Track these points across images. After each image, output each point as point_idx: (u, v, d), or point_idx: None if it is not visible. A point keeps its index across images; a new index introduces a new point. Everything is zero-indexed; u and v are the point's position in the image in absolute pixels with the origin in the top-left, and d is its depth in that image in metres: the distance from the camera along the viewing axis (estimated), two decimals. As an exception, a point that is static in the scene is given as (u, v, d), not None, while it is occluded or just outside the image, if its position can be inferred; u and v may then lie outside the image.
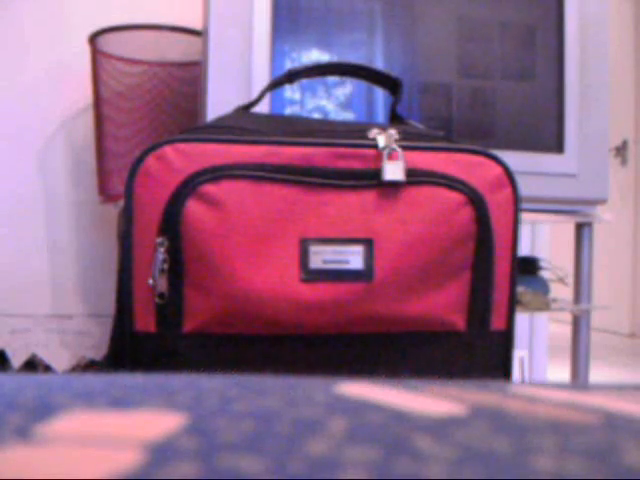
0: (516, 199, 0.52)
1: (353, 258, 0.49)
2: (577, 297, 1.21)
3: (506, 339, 0.53)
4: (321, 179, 0.49)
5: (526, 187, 1.11)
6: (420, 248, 0.49)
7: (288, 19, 1.08)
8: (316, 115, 1.11)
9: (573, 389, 0.15)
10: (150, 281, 0.47)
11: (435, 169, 0.50)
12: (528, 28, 1.14)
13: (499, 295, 0.52)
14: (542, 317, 1.82)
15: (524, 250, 1.76)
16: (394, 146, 0.49)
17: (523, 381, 0.16)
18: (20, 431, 0.10)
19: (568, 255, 1.30)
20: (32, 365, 1.49)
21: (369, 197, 0.49)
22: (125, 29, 1.39)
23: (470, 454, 0.10)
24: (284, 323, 0.47)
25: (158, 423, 0.11)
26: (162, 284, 0.47)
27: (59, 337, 1.55)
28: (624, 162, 3.33)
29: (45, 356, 1.49)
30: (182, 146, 0.48)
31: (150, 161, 0.48)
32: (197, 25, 1.35)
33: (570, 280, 1.29)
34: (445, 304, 0.50)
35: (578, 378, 1.18)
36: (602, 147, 1.16)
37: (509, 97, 1.14)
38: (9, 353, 1.47)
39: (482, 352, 0.51)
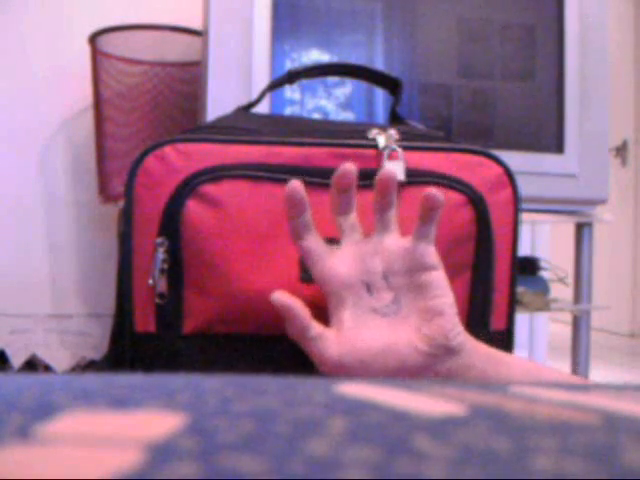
0: (516, 199, 0.52)
1: (353, 258, 0.48)
2: (577, 297, 1.21)
3: (506, 339, 0.53)
4: (321, 179, 0.49)
5: (526, 187, 1.11)
6: (420, 248, 0.49)
7: (288, 19, 1.08)
8: (316, 115, 1.11)
9: (573, 389, 0.15)
10: (150, 281, 0.47)
11: (435, 169, 0.50)
12: (528, 28, 1.14)
13: (499, 295, 0.52)
14: (542, 317, 1.82)
15: (524, 250, 1.76)
16: (394, 146, 0.49)
17: (523, 381, 0.16)
18: (20, 431, 0.10)
19: (568, 255, 1.30)
20: (32, 365, 1.49)
21: (369, 197, 0.49)
22: (125, 29, 1.39)
23: (470, 454, 0.10)
24: (284, 323, 0.47)
25: (158, 423, 0.11)
26: (162, 284, 0.47)
27: (59, 337, 1.55)
28: (624, 162, 3.33)
29: (45, 356, 1.49)
30: (182, 146, 0.48)
31: (150, 161, 0.48)
32: (197, 25, 1.35)
33: (570, 280, 1.28)
34: (445, 304, 0.50)
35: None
36: (602, 147, 1.16)
37: (509, 97, 1.14)
38: (9, 353, 1.47)
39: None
